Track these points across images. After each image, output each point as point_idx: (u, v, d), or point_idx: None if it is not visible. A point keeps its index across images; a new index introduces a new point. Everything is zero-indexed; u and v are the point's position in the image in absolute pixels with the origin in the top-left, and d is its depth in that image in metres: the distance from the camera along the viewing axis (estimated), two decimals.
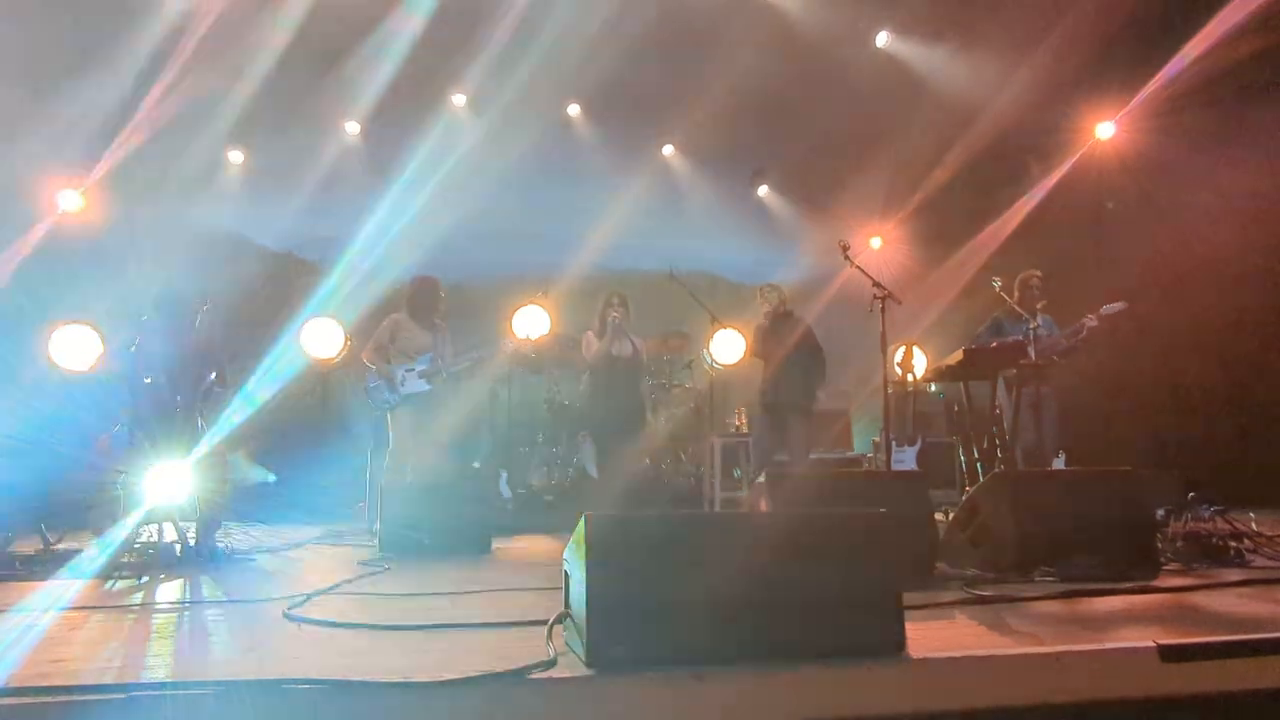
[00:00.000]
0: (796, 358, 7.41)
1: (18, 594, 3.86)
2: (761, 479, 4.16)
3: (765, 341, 7.51)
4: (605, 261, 10.37)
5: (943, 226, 10.96)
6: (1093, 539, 4.10)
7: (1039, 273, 7.27)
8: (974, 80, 9.32)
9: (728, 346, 8.91)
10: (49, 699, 1.95)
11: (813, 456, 7.91)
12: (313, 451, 9.23)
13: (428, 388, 7.13)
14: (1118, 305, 6.92)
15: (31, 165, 8.32)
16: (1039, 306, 6.96)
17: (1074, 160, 9.67)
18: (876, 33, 9.69)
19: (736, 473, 8.65)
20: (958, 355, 6.15)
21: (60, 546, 5.03)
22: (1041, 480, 5.00)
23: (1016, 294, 7.09)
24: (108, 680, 2.05)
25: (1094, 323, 6.91)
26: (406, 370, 7.13)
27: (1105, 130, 9.31)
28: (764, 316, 7.65)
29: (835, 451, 8.63)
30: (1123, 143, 9.20)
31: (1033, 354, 6.27)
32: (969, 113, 9.57)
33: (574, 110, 10.83)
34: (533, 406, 9.62)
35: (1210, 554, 4.49)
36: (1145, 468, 5.85)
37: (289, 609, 3.17)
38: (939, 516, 4.66)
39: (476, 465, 9.10)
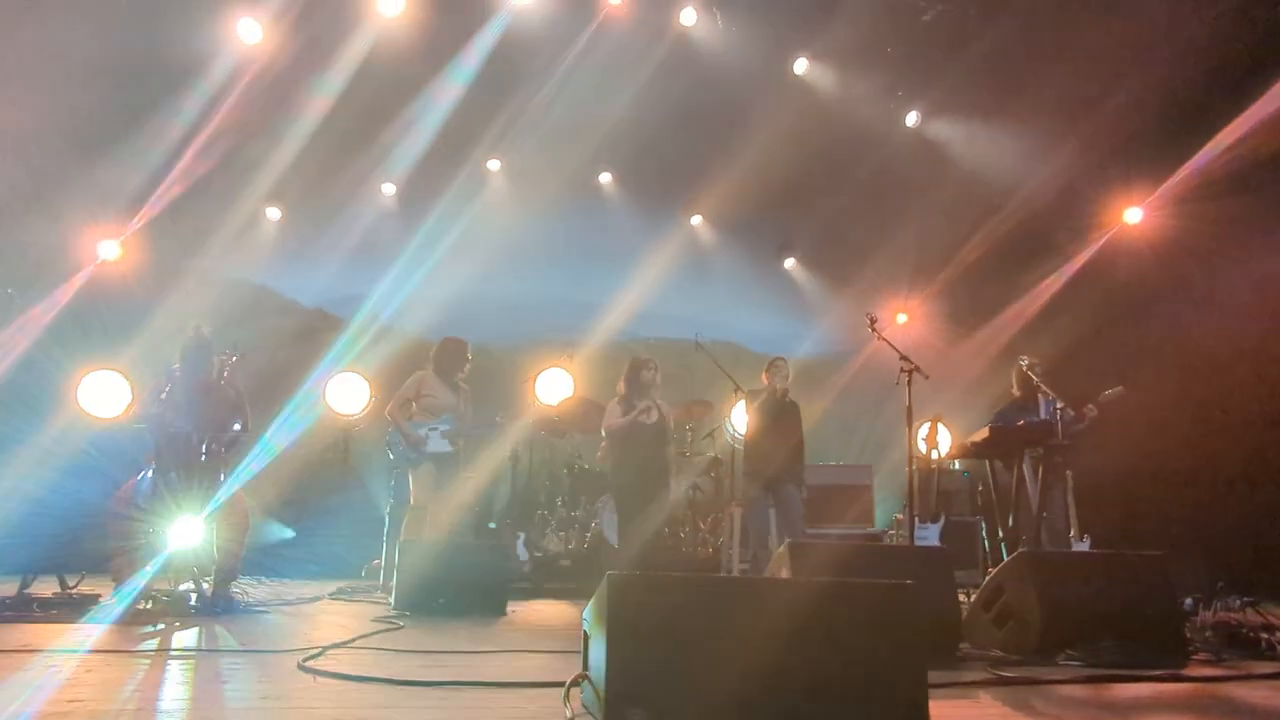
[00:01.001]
0: (793, 442, 7.36)
1: (35, 636, 3.87)
2: (783, 548, 4.12)
3: (765, 418, 7.40)
4: (631, 328, 10.45)
5: (968, 304, 10.99)
6: (1120, 624, 4.01)
7: (1036, 360, 7.26)
8: (1002, 161, 9.43)
9: (740, 416, 8.91)
10: None
11: (834, 532, 7.83)
12: (331, 507, 9.24)
13: (449, 448, 7.15)
14: (1116, 391, 6.91)
15: (75, 219, 8.53)
16: (1044, 392, 6.97)
17: (1101, 243, 9.71)
18: (907, 112, 9.84)
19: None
20: (984, 432, 6.11)
21: (78, 591, 5.03)
22: (1068, 562, 4.91)
23: (1017, 386, 7.16)
24: None
25: (1094, 412, 6.87)
26: (430, 429, 7.15)
27: (1133, 215, 9.36)
28: (775, 391, 7.54)
29: (856, 527, 8.53)
30: (1152, 227, 9.23)
31: (1060, 433, 6.22)
32: (997, 193, 9.67)
33: (605, 178, 11.02)
34: (553, 470, 9.60)
35: (1240, 645, 4.38)
36: (1172, 553, 5.75)
37: (304, 661, 3.15)
38: (960, 597, 4.59)
39: (492, 526, 9.07)
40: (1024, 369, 6.93)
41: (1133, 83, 8.16)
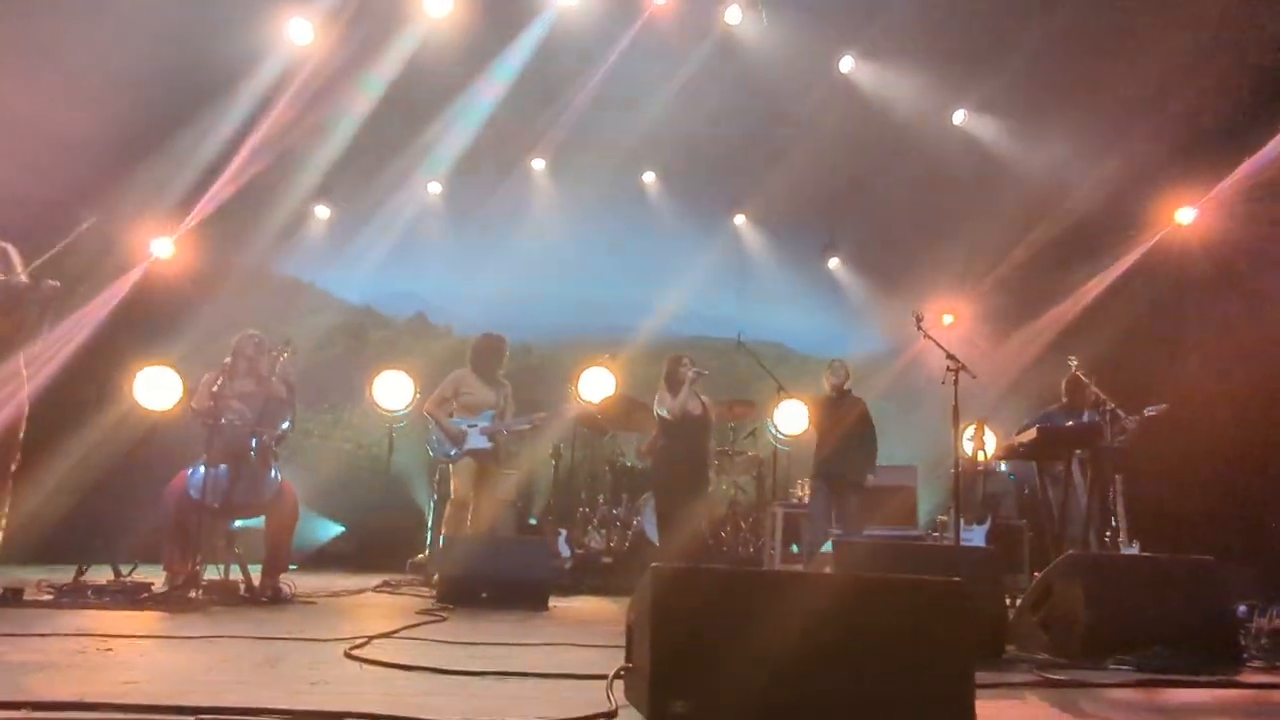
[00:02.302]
0: (853, 435, 7.44)
1: (90, 621, 3.96)
2: (828, 546, 4.10)
3: (825, 415, 7.53)
4: (674, 327, 10.46)
5: (1015, 305, 10.85)
6: (1170, 629, 3.93)
7: (1080, 365, 7.16)
8: (1052, 161, 9.29)
9: (793, 417, 8.89)
10: (123, 715, 1.99)
11: (877, 533, 7.79)
12: (376, 502, 9.37)
13: (488, 444, 7.20)
14: (1160, 408, 6.79)
15: (128, 219, 8.71)
16: (1091, 403, 6.88)
17: (1151, 243, 9.53)
18: (954, 111, 9.74)
19: (795, 548, 8.54)
20: (1031, 433, 6.03)
21: (131, 579, 5.14)
22: (1118, 565, 4.82)
23: (1066, 394, 7.07)
24: (179, 703, 2.08)
25: (1134, 425, 6.76)
26: (469, 425, 7.21)
27: (1186, 215, 9.19)
28: (829, 390, 7.68)
29: (900, 528, 8.45)
30: (1206, 227, 9.05)
31: (1109, 436, 6.12)
32: (1046, 193, 9.53)
33: (649, 178, 11.03)
34: (595, 468, 9.64)
35: None
36: (1224, 559, 5.63)
37: (351, 649, 3.19)
38: (1006, 601, 4.53)
39: (533, 522, 9.13)
40: (1075, 373, 6.85)
41: (1192, 83, 8.01)
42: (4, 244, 5.22)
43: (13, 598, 4.60)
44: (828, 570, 3.97)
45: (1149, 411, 6.77)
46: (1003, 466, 8.87)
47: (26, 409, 5.18)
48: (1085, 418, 6.61)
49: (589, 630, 4.56)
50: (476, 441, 7.19)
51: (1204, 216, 9.09)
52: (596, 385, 9.36)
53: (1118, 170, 8.93)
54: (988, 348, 11.00)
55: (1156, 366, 8.46)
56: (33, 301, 5.09)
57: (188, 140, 8.74)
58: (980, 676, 2.43)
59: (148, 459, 7.57)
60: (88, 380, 7.63)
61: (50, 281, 5.21)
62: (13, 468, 5.15)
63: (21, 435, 5.16)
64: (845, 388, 7.64)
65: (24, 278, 5.16)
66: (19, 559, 6.03)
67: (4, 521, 5.08)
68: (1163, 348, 8.97)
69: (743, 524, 9.27)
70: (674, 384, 7.36)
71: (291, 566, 5.98)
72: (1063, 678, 3.37)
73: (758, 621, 2.30)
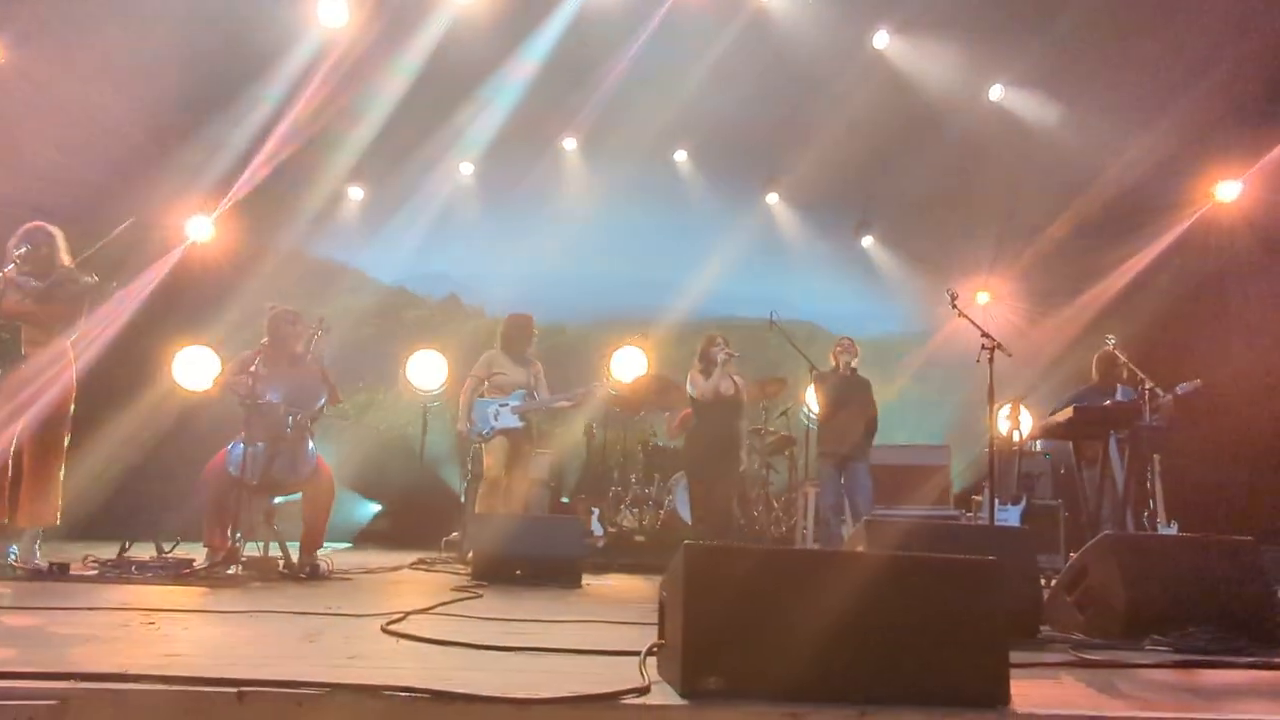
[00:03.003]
0: (862, 415, 7.36)
1: (134, 596, 4.05)
2: (859, 525, 4.09)
3: (834, 393, 7.43)
4: (706, 306, 10.43)
5: (1051, 283, 10.71)
6: (1209, 609, 3.88)
7: (1116, 341, 7.05)
8: (1090, 136, 9.13)
9: (810, 398, 8.85)
10: (166, 687, 2.04)
11: (909, 512, 7.75)
12: (411, 481, 9.46)
13: (520, 423, 7.25)
14: (1193, 384, 6.67)
15: (164, 201, 8.83)
16: (1124, 376, 6.78)
17: (1192, 220, 9.37)
18: (990, 85, 9.59)
19: None
20: (1068, 412, 5.97)
21: (172, 555, 5.24)
22: (1155, 545, 4.75)
23: (1096, 372, 6.97)
24: (220, 675, 2.12)
25: (1168, 401, 6.65)
26: (500, 405, 7.25)
27: (1229, 191, 9.01)
28: (839, 367, 7.55)
29: (932, 508, 8.41)
30: (1250, 203, 8.87)
31: (1148, 416, 6.04)
32: (1084, 169, 9.38)
33: (680, 156, 10.98)
34: (627, 447, 9.67)
35: None
36: (1264, 539, 5.54)
37: (387, 624, 3.24)
38: (1041, 581, 4.49)
39: (565, 500, 9.18)
40: (1111, 350, 6.76)
41: (1234, 55, 7.82)
42: (51, 229, 5.34)
43: (59, 572, 4.72)
44: (859, 549, 3.96)
45: (1182, 388, 6.67)
46: (1038, 446, 8.79)
47: (74, 389, 5.30)
48: (1119, 394, 6.52)
49: (622, 608, 4.59)
50: (507, 421, 7.23)
51: (1249, 191, 8.90)
52: (629, 365, 9.38)
53: (1157, 144, 8.77)
54: (1025, 326, 10.89)
55: (1197, 346, 8.34)
56: (73, 295, 5.20)
57: (223, 123, 8.83)
58: (1015, 656, 2.41)
59: (188, 438, 7.71)
60: (129, 361, 7.76)
61: (88, 278, 5.33)
62: (65, 445, 5.28)
63: (71, 413, 5.29)
64: (854, 366, 7.54)
65: (68, 265, 5.29)
66: (64, 534, 6.17)
67: (60, 497, 5.22)
68: (1204, 327, 8.82)
69: (774, 504, 9.27)
70: (707, 364, 7.36)
71: (329, 546, 6.08)
72: (1098, 658, 3.34)
73: (790, 599, 2.31)
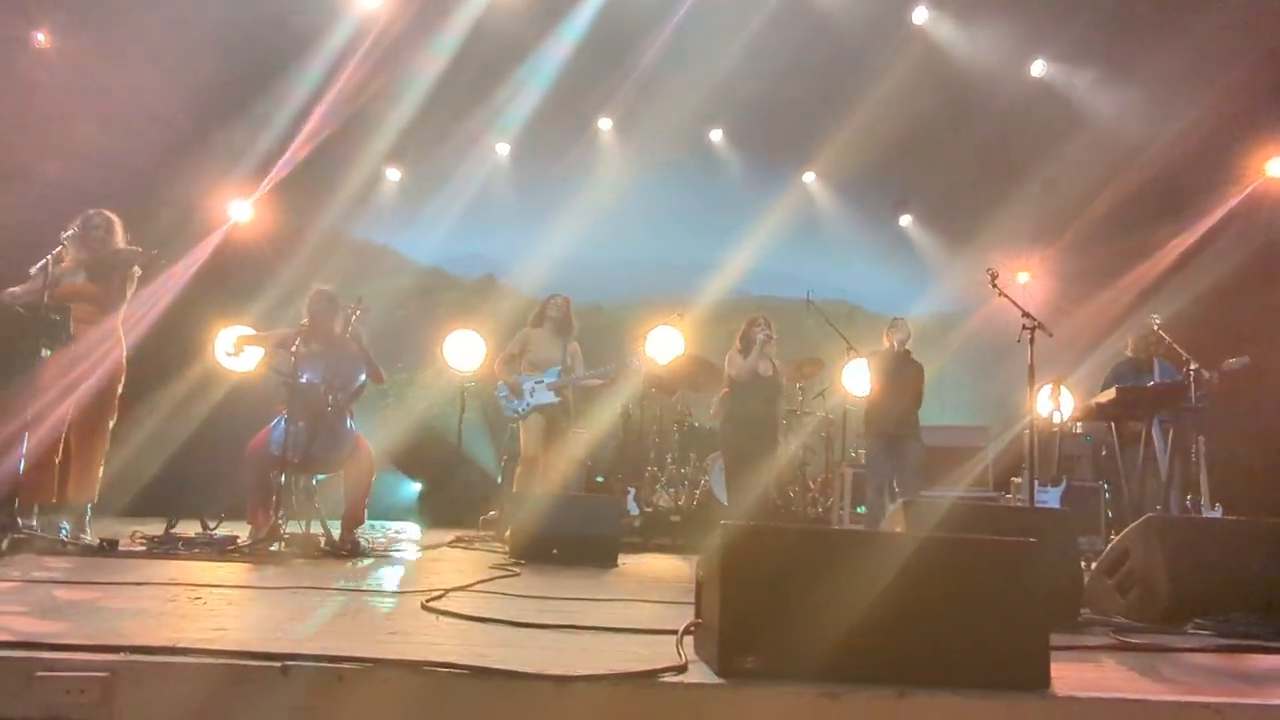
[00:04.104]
0: (910, 395, 7.33)
1: (180, 571, 4.13)
2: (897, 505, 4.07)
3: (885, 372, 7.41)
4: (742, 286, 10.40)
5: (1095, 263, 10.53)
6: (1254, 593, 3.82)
7: (1158, 320, 6.91)
8: (1134, 112, 8.95)
9: (862, 377, 8.79)
10: (213, 660, 2.08)
11: (948, 493, 7.70)
12: (449, 460, 9.55)
13: (555, 399, 7.29)
14: (1240, 360, 6.52)
15: (206, 183, 8.95)
16: (1160, 354, 6.66)
17: (1241, 197, 9.16)
18: (1032, 61, 9.42)
19: (860, 509, 8.49)
20: (1111, 393, 5.88)
21: (217, 531, 5.34)
22: (1199, 528, 4.69)
23: (1132, 348, 6.84)
24: (266, 650, 2.16)
25: (1214, 379, 6.51)
26: (535, 382, 7.30)
27: (1279, 167, 8.80)
28: (892, 347, 7.53)
29: (971, 489, 8.34)
30: None
31: (1194, 397, 5.93)
32: (1128, 145, 9.19)
33: (716, 135, 10.92)
34: (663, 427, 9.68)
35: None
36: None
37: (427, 601, 3.28)
38: (1081, 564, 4.44)
39: (601, 480, 9.22)
40: (1156, 330, 6.65)
41: None
42: (109, 214, 5.46)
43: (109, 548, 4.83)
44: (897, 530, 3.94)
45: (1230, 364, 6.53)
46: (1079, 428, 8.68)
47: (125, 369, 5.42)
48: (1155, 370, 6.39)
49: (658, 587, 4.61)
50: (542, 398, 7.28)
51: None
52: (665, 345, 9.37)
53: (1205, 119, 8.57)
54: (1067, 306, 10.73)
55: (1244, 326, 8.15)
56: (124, 262, 5.33)
57: (263, 105, 8.92)
58: (1055, 639, 2.40)
59: (230, 417, 7.83)
60: (173, 341, 7.89)
61: (137, 248, 5.46)
62: (110, 425, 5.40)
63: (119, 393, 5.41)
64: (905, 349, 7.52)
65: (125, 248, 5.41)
66: (113, 511, 6.31)
67: (101, 473, 5.35)
68: (1251, 306, 8.64)
69: (811, 484, 9.24)
70: (747, 344, 7.38)
71: (371, 524, 6.16)
72: (1140, 641, 3.30)
73: (828, 580, 2.30)
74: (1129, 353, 7.07)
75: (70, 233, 5.20)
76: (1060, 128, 9.45)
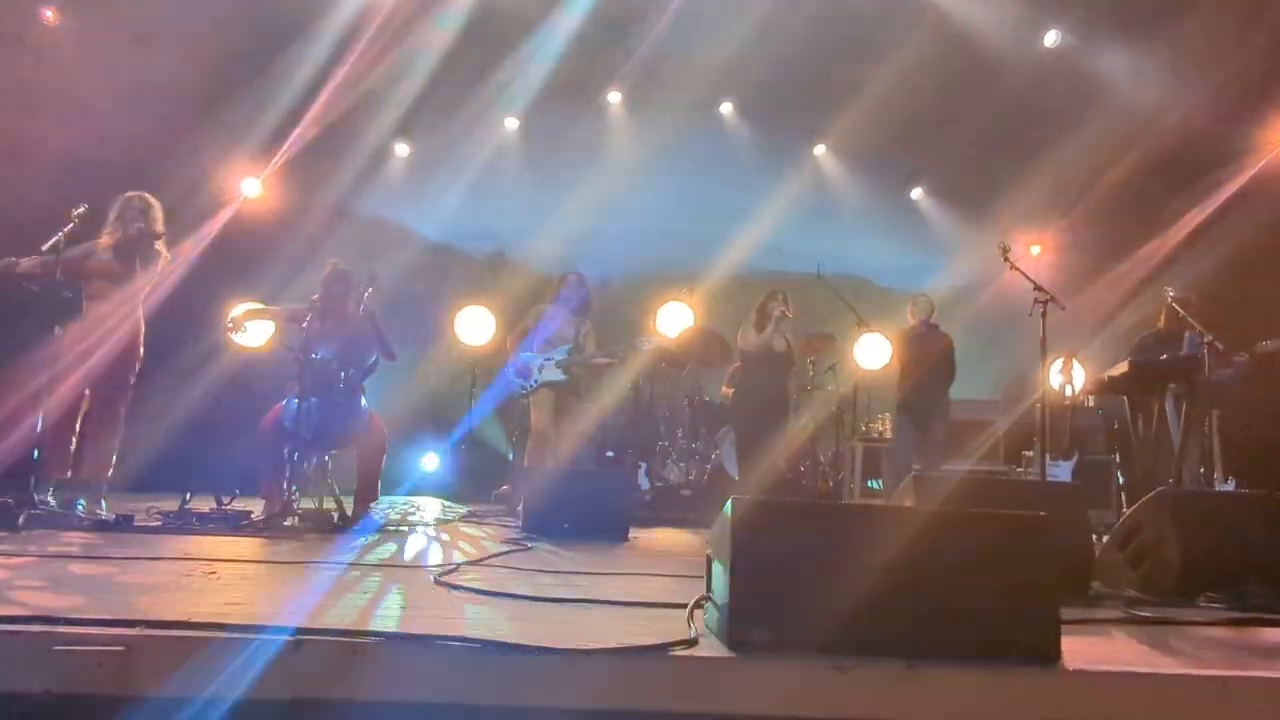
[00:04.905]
0: (938, 370, 7.34)
1: (194, 546, 4.17)
2: (908, 480, 4.07)
3: (910, 350, 7.42)
4: (752, 261, 10.36)
5: (1107, 236, 10.46)
6: (1266, 567, 3.82)
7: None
8: (1149, 83, 8.84)
9: (873, 351, 8.77)
10: (227, 634, 2.10)
11: (963, 467, 7.71)
12: (461, 435, 9.58)
13: (563, 377, 7.30)
14: (1276, 343, 6.44)
15: (215, 155, 8.93)
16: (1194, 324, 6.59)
17: (1258, 168, 9.06)
18: (1045, 32, 9.30)
19: (873, 483, 8.50)
20: (1123, 366, 5.85)
21: (231, 507, 5.38)
22: (1211, 501, 4.68)
23: (1164, 317, 6.73)
24: (280, 623, 2.18)
25: (1245, 360, 6.44)
26: (545, 359, 7.31)
27: None
28: (914, 324, 7.57)
29: (983, 463, 8.34)
30: None
31: (1207, 370, 5.89)
32: (1142, 117, 9.09)
33: (726, 109, 10.83)
34: (674, 402, 9.69)
35: None
36: None
37: (441, 576, 3.30)
38: (1093, 538, 4.44)
39: (611, 455, 9.24)
40: (1170, 303, 6.59)
41: None
42: (149, 198, 5.49)
43: (124, 523, 4.87)
44: (909, 503, 3.94)
45: (1265, 346, 6.45)
46: (1090, 401, 8.65)
47: (141, 349, 5.46)
48: (1185, 341, 6.31)
49: (668, 561, 4.63)
50: (551, 375, 7.29)
51: None
52: (675, 320, 9.36)
53: (1221, 90, 8.46)
54: (1079, 280, 10.65)
55: (1260, 300, 8.09)
56: (144, 254, 5.38)
57: (272, 79, 8.89)
58: (1066, 613, 2.40)
59: (243, 393, 7.86)
60: (185, 317, 7.92)
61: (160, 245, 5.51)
62: (126, 403, 5.45)
63: (135, 373, 5.45)
64: (932, 321, 7.52)
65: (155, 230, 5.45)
66: (126, 487, 6.35)
67: (116, 451, 5.40)
68: (1267, 280, 8.57)
69: (821, 459, 9.25)
70: (762, 318, 7.38)
71: (385, 499, 6.19)
72: (1150, 615, 3.31)
73: (837, 553, 2.31)
74: (1160, 323, 6.94)
75: (81, 209, 5.21)
76: (1073, 99, 9.35)
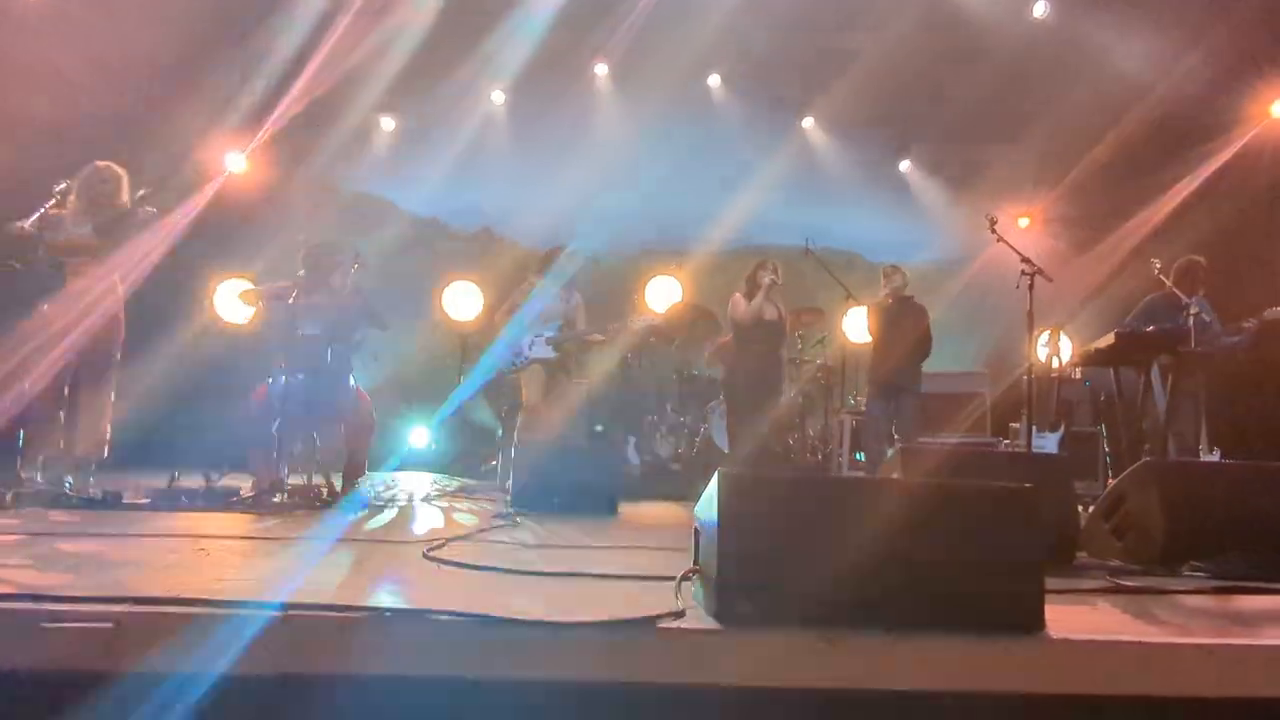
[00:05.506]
0: (912, 342, 7.33)
1: (183, 523, 4.16)
2: (894, 452, 4.09)
3: (885, 323, 7.40)
4: (740, 235, 10.34)
5: (1095, 208, 10.46)
6: (1250, 536, 3.85)
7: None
8: (1137, 54, 8.81)
9: (861, 325, 8.79)
10: (215, 610, 2.10)
11: (947, 439, 7.74)
12: (450, 410, 9.56)
13: (554, 354, 7.29)
14: None
15: (198, 128, 8.84)
16: (1200, 293, 6.58)
17: (1246, 140, 9.06)
18: (1034, 2, 9.26)
19: (860, 456, 8.53)
20: (1109, 338, 5.86)
21: (220, 483, 5.37)
22: (1195, 472, 4.71)
23: (1173, 281, 6.66)
24: (268, 599, 2.18)
25: (1251, 324, 6.44)
26: (536, 336, 7.29)
27: None
28: (886, 297, 7.53)
29: (970, 435, 8.38)
30: None
31: (1194, 341, 5.91)
32: (1130, 88, 9.07)
33: (714, 81, 10.77)
34: (662, 375, 9.69)
35: None
36: None
37: (429, 550, 3.30)
38: (1080, 510, 4.47)
39: (599, 429, 9.24)
40: (1156, 273, 6.58)
41: None
42: (116, 169, 5.41)
43: (113, 500, 4.86)
44: (894, 476, 3.96)
45: (1273, 313, 6.44)
46: (1078, 373, 8.69)
47: (123, 321, 5.41)
48: (1193, 305, 6.27)
49: (657, 534, 4.65)
50: (541, 351, 7.28)
51: None
52: (663, 295, 9.36)
53: (1210, 60, 8.44)
54: (1067, 252, 10.67)
55: (1247, 272, 8.12)
56: (130, 225, 5.30)
57: (257, 52, 8.78)
58: (1050, 583, 2.42)
59: (230, 369, 7.82)
60: (170, 292, 7.86)
61: (149, 208, 5.42)
62: (114, 379, 5.41)
63: (118, 350, 5.40)
64: (905, 294, 7.49)
65: (141, 210, 5.37)
66: (113, 464, 6.32)
67: (109, 428, 5.36)
68: (1254, 251, 8.59)
69: (811, 432, 9.28)
70: (752, 287, 7.37)
71: (373, 474, 6.19)
72: (1134, 584, 3.33)
73: (824, 526, 2.32)
74: (1170, 286, 6.81)
75: (63, 185, 5.15)
76: (1062, 70, 9.32)
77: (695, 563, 2.58)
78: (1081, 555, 4.06)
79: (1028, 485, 2.40)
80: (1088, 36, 9.15)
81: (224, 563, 3.06)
